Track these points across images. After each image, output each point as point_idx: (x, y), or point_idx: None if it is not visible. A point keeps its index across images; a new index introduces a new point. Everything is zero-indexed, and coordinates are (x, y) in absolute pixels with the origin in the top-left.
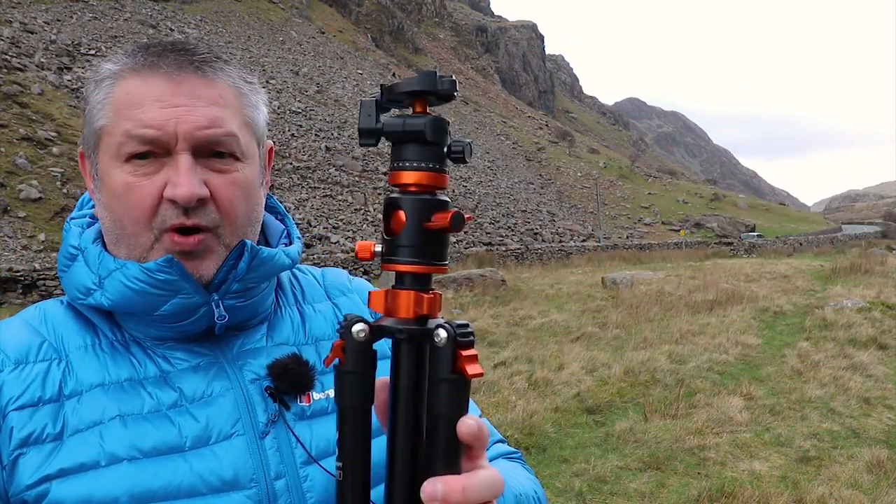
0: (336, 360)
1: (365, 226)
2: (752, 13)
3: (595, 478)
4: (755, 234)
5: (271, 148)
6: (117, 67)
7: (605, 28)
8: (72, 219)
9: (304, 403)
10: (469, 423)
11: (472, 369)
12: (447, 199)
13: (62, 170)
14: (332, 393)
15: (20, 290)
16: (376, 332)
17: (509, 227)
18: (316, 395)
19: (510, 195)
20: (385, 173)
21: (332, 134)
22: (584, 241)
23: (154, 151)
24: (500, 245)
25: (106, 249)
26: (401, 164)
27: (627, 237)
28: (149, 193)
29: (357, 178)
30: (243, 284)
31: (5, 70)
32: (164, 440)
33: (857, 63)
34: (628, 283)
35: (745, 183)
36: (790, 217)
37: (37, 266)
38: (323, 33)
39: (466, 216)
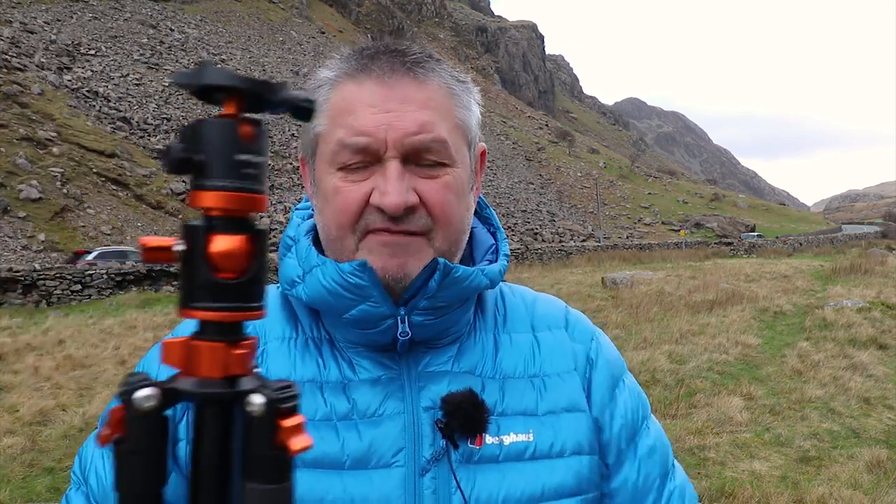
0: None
1: None
2: (753, 13)
3: None
4: (755, 234)
5: (483, 151)
6: (333, 73)
7: (605, 28)
8: (296, 209)
9: (474, 446)
10: None
11: (297, 442)
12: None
13: (62, 170)
14: (506, 439)
15: (20, 290)
16: (169, 396)
17: (509, 227)
18: (489, 440)
19: (510, 195)
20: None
21: None
22: (584, 241)
23: (366, 160)
24: None
25: (316, 246)
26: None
27: (627, 237)
28: (355, 198)
29: None
30: (433, 303)
31: (5, 70)
32: (326, 453)
33: (858, 63)
34: (628, 283)
35: (745, 183)
36: (790, 217)
37: (37, 266)
38: (323, 33)
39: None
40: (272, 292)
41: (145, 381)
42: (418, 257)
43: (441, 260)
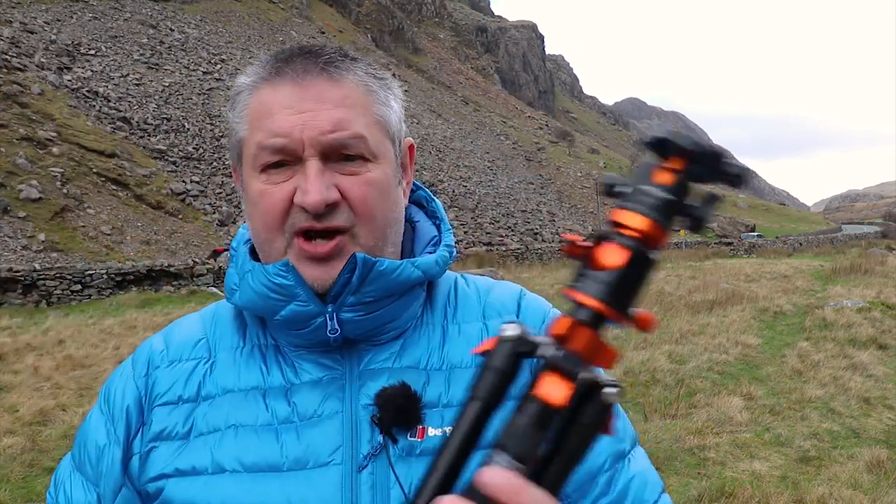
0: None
1: None
2: (753, 14)
3: None
4: (755, 234)
5: (411, 145)
6: (250, 79)
7: (605, 28)
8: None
9: (415, 439)
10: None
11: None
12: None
13: (62, 170)
14: (449, 430)
15: (20, 290)
16: (526, 344)
17: (509, 227)
18: (431, 431)
19: (510, 195)
20: None
21: None
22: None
23: (286, 160)
24: (500, 245)
25: (251, 253)
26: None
27: None
28: (279, 199)
29: None
30: (360, 298)
31: (5, 70)
32: (264, 457)
33: (857, 63)
34: None
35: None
36: (790, 217)
37: (37, 266)
38: (323, 33)
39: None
40: (225, 306)
41: (520, 329)
42: (344, 259)
43: (360, 255)
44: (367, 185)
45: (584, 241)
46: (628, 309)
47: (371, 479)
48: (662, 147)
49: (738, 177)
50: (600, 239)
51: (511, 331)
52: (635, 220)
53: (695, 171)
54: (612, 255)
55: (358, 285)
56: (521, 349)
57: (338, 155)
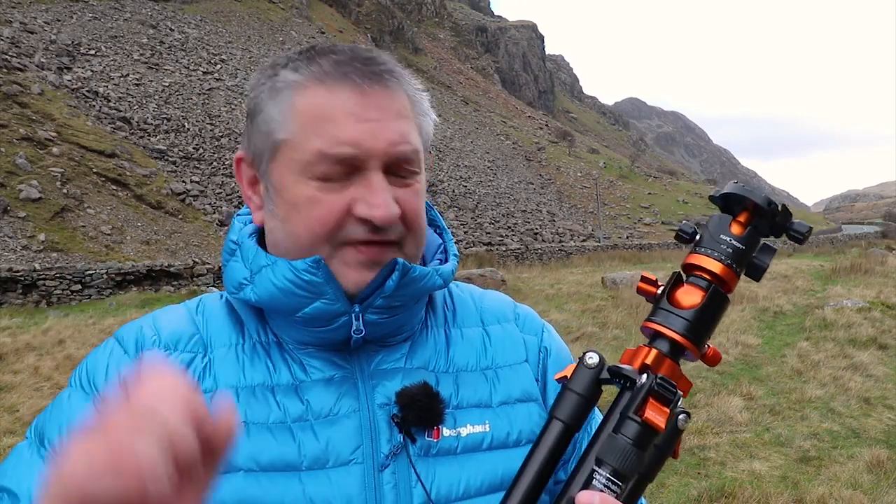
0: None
1: None
2: (753, 14)
3: None
4: None
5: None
6: (299, 77)
7: (605, 28)
8: (237, 215)
9: (431, 439)
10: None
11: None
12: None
13: (62, 170)
14: (463, 431)
15: (20, 290)
16: (609, 370)
17: (509, 227)
18: (446, 432)
19: (510, 195)
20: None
21: None
22: (584, 241)
23: (345, 170)
24: (500, 245)
25: (262, 246)
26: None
27: (627, 237)
28: (336, 209)
29: None
30: (388, 301)
31: (5, 70)
32: (281, 456)
33: (856, 64)
34: (628, 283)
35: (745, 183)
36: None
37: (37, 266)
38: (323, 33)
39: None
40: (216, 300)
41: (599, 357)
42: (383, 266)
43: (400, 260)
44: (418, 197)
45: (658, 280)
46: (704, 344)
47: (393, 479)
48: (729, 200)
49: (804, 236)
50: (678, 280)
51: (593, 359)
52: (712, 265)
53: (764, 227)
54: (692, 295)
55: (394, 289)
56: (603, 376)
57: (398, 168)
